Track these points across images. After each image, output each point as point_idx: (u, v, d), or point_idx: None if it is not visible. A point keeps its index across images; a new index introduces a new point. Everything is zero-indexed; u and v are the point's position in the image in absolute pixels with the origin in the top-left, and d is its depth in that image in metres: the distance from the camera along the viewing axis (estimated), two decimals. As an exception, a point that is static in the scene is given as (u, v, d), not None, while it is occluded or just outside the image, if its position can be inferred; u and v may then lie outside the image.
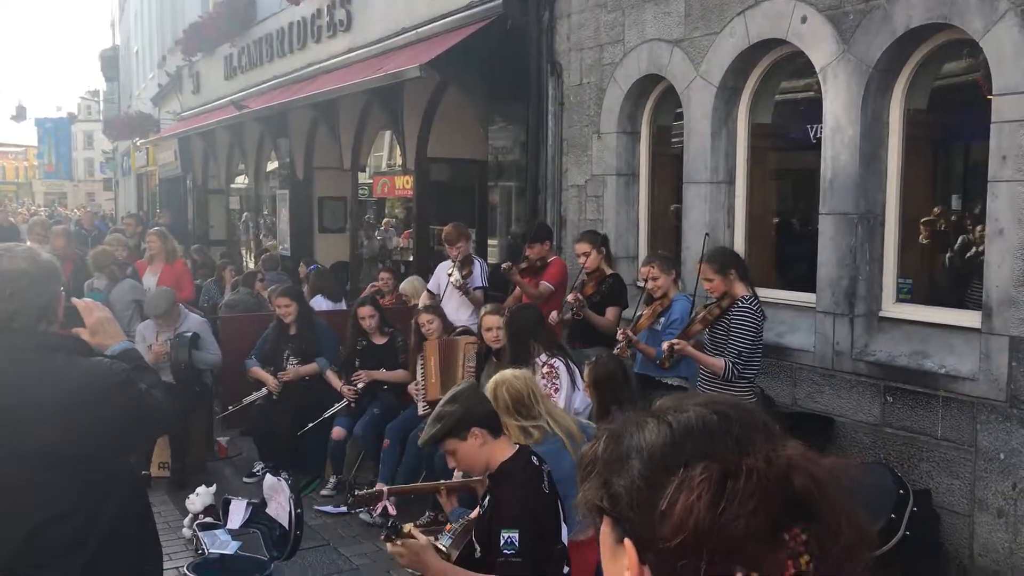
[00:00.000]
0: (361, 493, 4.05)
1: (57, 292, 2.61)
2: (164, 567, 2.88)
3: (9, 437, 2.40)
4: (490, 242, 10.05)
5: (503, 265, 7.14)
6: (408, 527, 3.04)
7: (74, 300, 2.83)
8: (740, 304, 5.09)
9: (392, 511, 4.31)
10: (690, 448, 1.00)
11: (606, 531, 1.07)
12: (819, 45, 5.61)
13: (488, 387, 3.99)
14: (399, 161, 13.36)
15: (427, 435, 3.36)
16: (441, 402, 3.40)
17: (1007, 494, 4.70)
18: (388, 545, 3.02)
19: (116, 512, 2.53)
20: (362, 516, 6.31)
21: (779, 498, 0.94)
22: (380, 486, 4.27)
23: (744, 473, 0.95)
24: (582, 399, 5.40)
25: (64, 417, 2.41)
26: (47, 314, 2.55)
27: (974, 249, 5.54)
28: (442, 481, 4.10)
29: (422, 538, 3.02)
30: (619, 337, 5.63)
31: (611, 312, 6.41)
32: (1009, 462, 4.68)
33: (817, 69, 5.65)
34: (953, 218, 5.79)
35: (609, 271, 6.61)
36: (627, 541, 1.02)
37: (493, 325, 5.91)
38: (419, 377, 6.57)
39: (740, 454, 0.97)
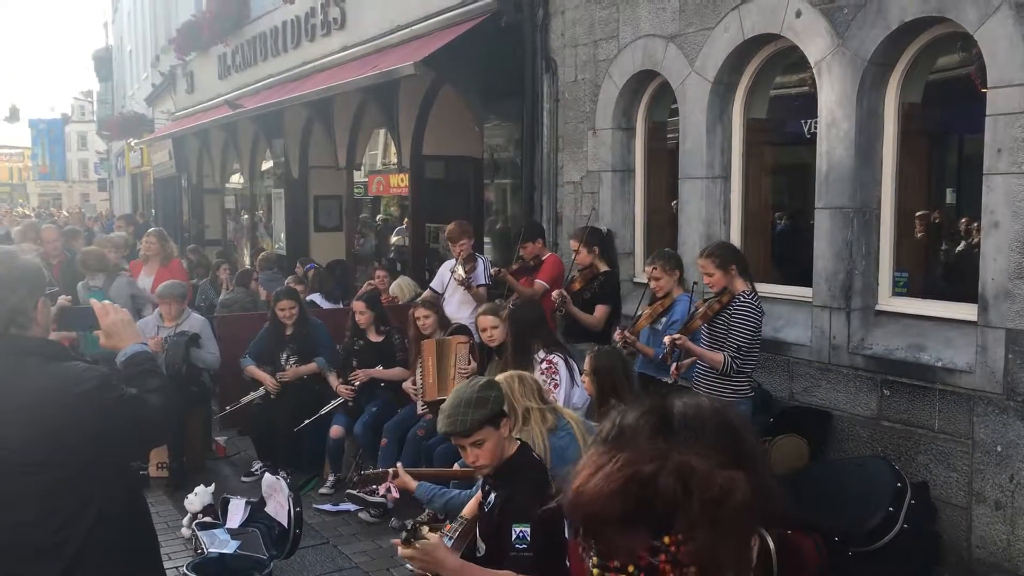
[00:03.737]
0: (367, 472, 4.08)
1: (31, 295, 2.53)
2: (164, 568, 2.86)
3: None
4: (486, 240, 10.05)
5: (492, 271, 7.14)
6: (424, 530, 2.99)
7: (93, 302, 2.78)
8: (740, 299, 5.10)
9: (395, 494, 4.31)
10: (617, 437, 1.07)
11: None
12: (814, 39, 5.62)
13: (507, 377, 4.07)
14: (393, 159, 13.34)
15: (470, 419, 3.16)
16: (475, 389, 3.26)
17: (1004, 486, 4.72)
18: (401, 549, 2.93)
19: (97, 520, 2.47)
20: (361, 515, 6.32)
21: (639, 493, 0.98)
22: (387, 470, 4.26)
23: (616, 460, 1.01)
24: (580, 395, 5.41)
25: (29, 423, 2.35)
26: (17, 318, 2.49)
27: (970, 242, 5.56)
28: (456, 468, 4.13)
29: (434, 537, 2.98)
30: (616, 338, 5.63)
31: (599, 310, 6.41)
32: (1006, 454, 4.70)
33: (812, 63, 5.66)
34: (948, 211, 5.80)
35: (603, 268, 6.60)
36: None
37: (488, 325, 5.92)
38: (417, 376, 6.57)
39: (641, 447, 1.03)
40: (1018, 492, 4.65)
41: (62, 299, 2.88)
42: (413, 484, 4.00)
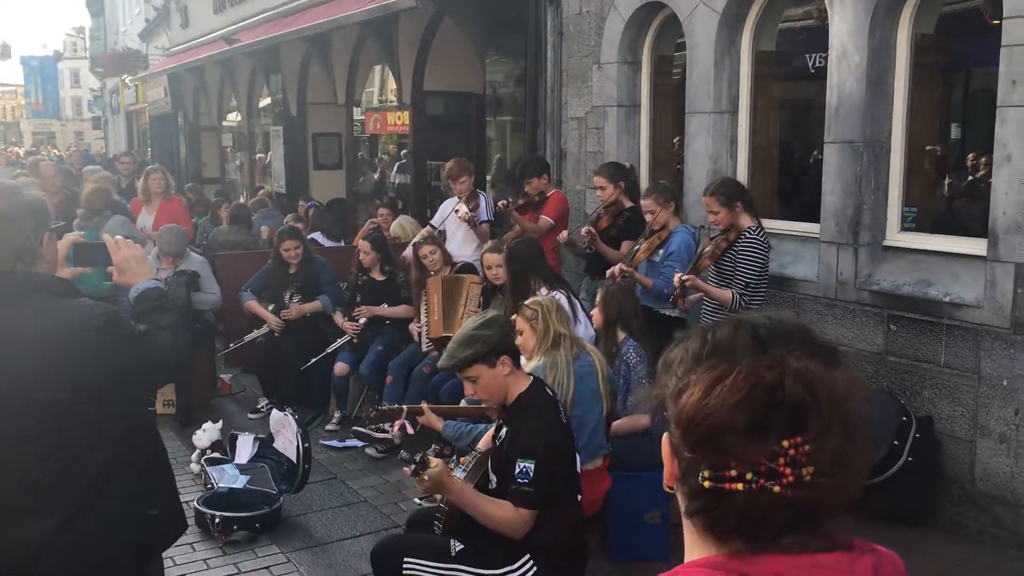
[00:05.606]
0: (383, 408, 4.14)
1: (37, 231, 2.49)
2: (181, 501, 2.87)
3: None
4: (488, 177, 9.98)
5: (499, 203, 7.09)
6: (435, 461, 3.11)
7: (105, 236, 2.75)
8: (746, 235, 5.07)
9: (410, 430, 4.36)
10: (712, 352, 1.10)
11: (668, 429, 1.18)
12: (826, -31, 5.49)
13: (547, 301, 4.12)
14: (390, 97, 13.18)
15: (459, 358, 3.31)
16: (472, 326, 3.37)
17: (1009, 420, 4.75)
18: (415, 479, 3.11)
19: (111, 455, 2.47)
20: (368, 451, 6.38)
21: (766, 400, 1.01)
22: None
23: (735, 373, 1.03)
24: (583, 332, 5.41)
25: (38, 360, 2.34)
26: (23, 255, 2.45)
27: (980, 177, 5.51)
28: (464, 404, 4.17)
29: (440, 463, 3.10)
30: (615, 271, 5.62)
31: (626, 246, 6.37)
32: (1012, 388, 4.71)
33: (823, -6, 5.54)
34: (959, 146, 5.74)
35: (627, 204, 6.53)
36: (665, 435, 1.14)
37: (493, 263, 5.91)
38: (422, 314, 6.57)
39: (750, 357, 1.06)
40: (1023, 425, 4.69)
41: (75, 235, 2.83)
42: (440, 424, 4.04)
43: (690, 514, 1.09)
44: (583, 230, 6.26)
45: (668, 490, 1.14)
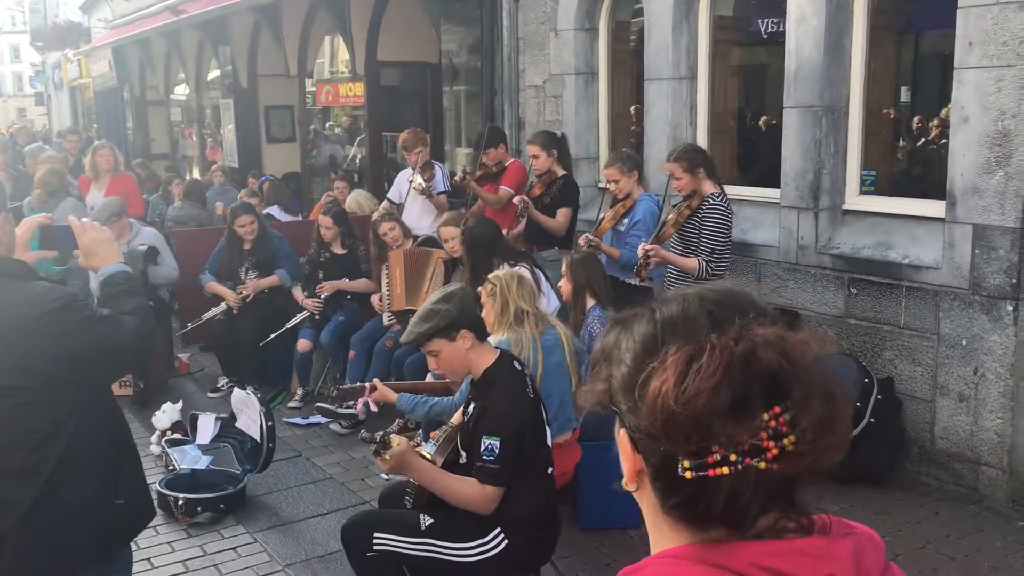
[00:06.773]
0: (345, 387, 4.09)
1: None
2: (147, 485, 2.80)
3: None
4: (446, 148, 9.87)
5: (456, 177, 7.01)
6: (394, 439, 3.07)
7: (71, 219, 2.65)
8: (710, 202, 5.06)
9: (373, 409, 4.30)
10: (669, 333, 1.01)
11: (618, 426, 1.08)
12: (783, -68, 5.46)
13: (507, 275, 4.08)
14: (342, 68, 12.97)
15: (417, 332, 3.28)
16: (431, 301, 3.34)
17: (968, 379, 4.82)
18: (377, 459, 3.07)
19: (73, 440, 2.41)
20: (332, 427, 6.31)
21: (744, 374, 0.94)
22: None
23: (708, 350, 0.96)
24: (546, 303, 5.39)
25: None
26: None
27: (935, 139, 5.55)
28: (430, 379, 4.13)
29: (401, 441, 3.08)
30: (580, 242, 5.58)
31: (561, 213, 6.33)
32: (971, 347, 4.79)
33: (781, -43, 5.52)
34: (916, 109, 5.78)
35: (561, 172, 6.49)
36: (622, 431, 1.04)
37: (450, 236, 5.86)
38: (384, 288, 6.50)
39: (713, 334, 0.98)
40: (981, 384, 4.76)
41: (41, 217, 2.73)
42: (393, 396, 4.01)
43: (668, 510, 1.01)
44: (515, 199, 6.23)
45: (628, 488, 1.06)
